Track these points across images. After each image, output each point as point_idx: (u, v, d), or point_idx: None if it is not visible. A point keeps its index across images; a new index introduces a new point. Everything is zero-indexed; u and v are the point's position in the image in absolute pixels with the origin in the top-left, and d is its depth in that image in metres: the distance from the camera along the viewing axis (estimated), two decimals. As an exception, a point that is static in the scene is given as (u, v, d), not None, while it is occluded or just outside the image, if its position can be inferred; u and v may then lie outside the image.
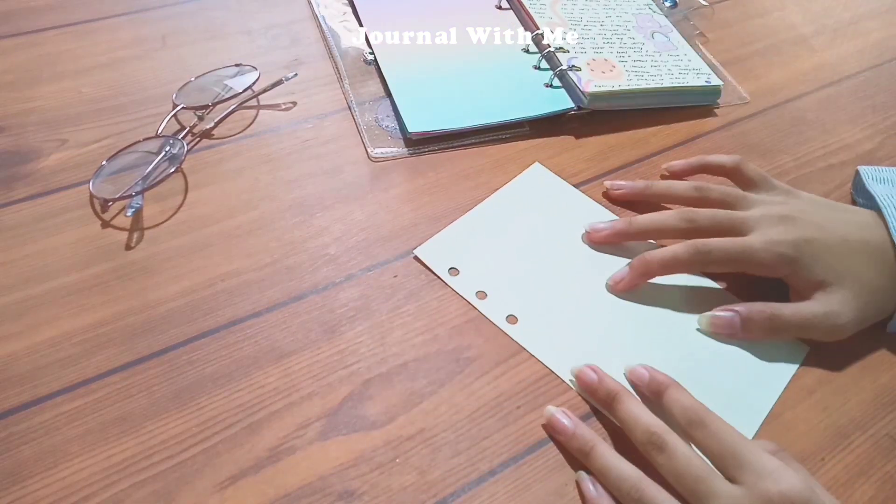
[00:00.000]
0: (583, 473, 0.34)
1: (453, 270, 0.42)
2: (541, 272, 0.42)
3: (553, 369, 0.38)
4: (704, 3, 0.66)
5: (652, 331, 0.40)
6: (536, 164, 0.49)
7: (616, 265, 0.43)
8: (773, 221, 0.41)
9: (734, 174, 0.46)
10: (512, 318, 0.40)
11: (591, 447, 0.34)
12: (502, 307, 0.40)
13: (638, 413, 0.34)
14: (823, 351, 0.40)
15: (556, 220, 0.45)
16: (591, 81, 0.51)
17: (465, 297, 0.41)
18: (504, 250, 0.43)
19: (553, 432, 0.35)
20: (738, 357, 0.40)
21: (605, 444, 0.34)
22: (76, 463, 0.32)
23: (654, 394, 0.36)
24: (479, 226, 0.44)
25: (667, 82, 0.53)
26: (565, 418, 0.35)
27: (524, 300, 0.41)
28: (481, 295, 0.41)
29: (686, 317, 0.41)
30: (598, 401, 0.37)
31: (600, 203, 0.47)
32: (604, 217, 0.46)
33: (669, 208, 0.46)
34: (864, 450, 0.37)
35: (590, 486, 0.33)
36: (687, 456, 0.32)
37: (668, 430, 0.33)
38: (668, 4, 0.64)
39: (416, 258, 0.42)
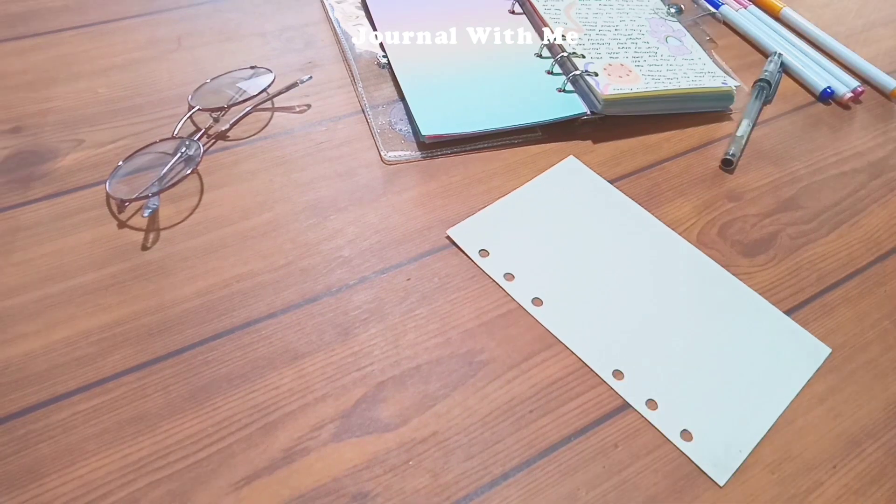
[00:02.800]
0: None
1: (483, 252, 0.43)
2: (569, 259, 0.43)
3: (576, 352, 0.39)
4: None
5: (675, 322, 0.41)
6: (571, 157, 0.50)
7: (645, 256, 0.44)
8: None
9: None
10: (537, 301, 0.41)
11: None
12: (529, 289, 0.41)
13: None
14: (835, 359, 0.41)
15: (586, 210, 0.46)
16: (610, 85, 0.52)
17: (493, 277, 0.42)
18: (534, 236, 0.44)
19: None
20: (759, 351, 0.40)
21: None
22: (93, 461, 0.33)
23: None
24: (511, 212, 0.46)
25: (683, 85, 0.53)
26: None
27: (551, 284, 0.42)
28: (509, 277, 0.42)
29: (710, 311, 0.42)
30: None
31: (629, 196, 0.48)
32: (633, 210, 0.47)
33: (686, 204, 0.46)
34: (876, 458, 0.37)
35: None
36: None
37: None
38: (672, 10, 0.64)
39: (449, 238, 0.43)
